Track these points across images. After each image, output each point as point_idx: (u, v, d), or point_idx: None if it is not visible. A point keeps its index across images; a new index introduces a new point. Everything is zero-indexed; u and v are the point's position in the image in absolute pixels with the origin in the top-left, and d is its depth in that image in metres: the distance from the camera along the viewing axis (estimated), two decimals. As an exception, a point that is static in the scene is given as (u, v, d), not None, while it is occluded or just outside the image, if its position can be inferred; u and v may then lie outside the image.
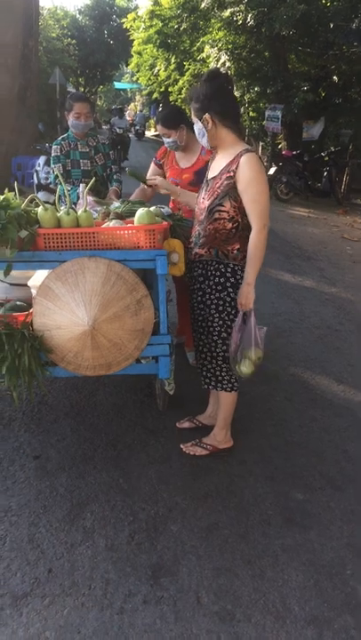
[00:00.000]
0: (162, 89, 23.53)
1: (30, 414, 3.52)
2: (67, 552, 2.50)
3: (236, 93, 13.83)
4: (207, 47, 13.84)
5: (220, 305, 2.80)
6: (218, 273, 2.78)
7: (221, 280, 2.78)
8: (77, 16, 34.57)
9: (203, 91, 2.61)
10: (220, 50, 13.27)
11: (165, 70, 19.62)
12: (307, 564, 2.48)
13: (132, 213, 3.11)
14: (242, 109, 14.44)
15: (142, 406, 3.67)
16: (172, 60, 18.71)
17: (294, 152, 12.65)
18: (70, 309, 2.27)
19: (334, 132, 14.22)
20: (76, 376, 2.51)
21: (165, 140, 3.77)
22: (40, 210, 2.38)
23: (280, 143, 14.60)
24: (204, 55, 14.23)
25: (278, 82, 13.01)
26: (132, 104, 50.84)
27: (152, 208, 3.08)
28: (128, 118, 14.95)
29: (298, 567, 2.46)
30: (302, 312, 5.56)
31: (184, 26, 14.98)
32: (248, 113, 14.52)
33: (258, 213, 2.62)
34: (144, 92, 32.08)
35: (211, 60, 13.72)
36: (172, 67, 19.06)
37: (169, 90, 22.52)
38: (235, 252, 2.74)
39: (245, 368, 2.74)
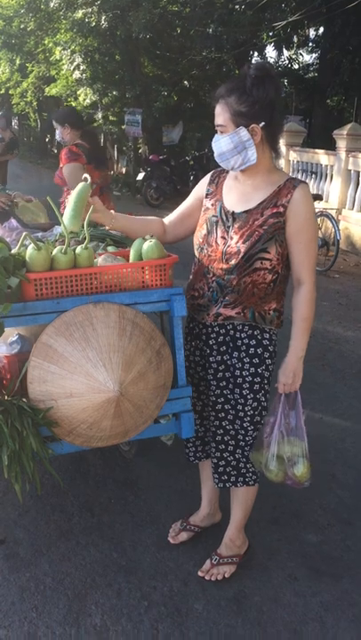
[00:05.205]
0: (1, 91, 22.31)
1: (-27, 486, 2.92)
2: (86, 666, 2.03)
3: (94, 97, 13.44)
4: (58, 49, 13.22)
5: (257, 383, 2.15)
6: (253, 342, 2.11)
7: (258, 351, 2.12)
8: None
9: (255, 92, 1.89)
10: (73, 52, 12.73)
11: (10, 71, 18.56)
12: (355, 621, 2.25)
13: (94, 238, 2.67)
14: (100, 113, 14.05)
15: (104, 456, 3.21)
16: (17, 62, 17.73)
17: (161, 157, 12.55)
18: (85, 372, 1.80)
19: (193, 135, 14.42)
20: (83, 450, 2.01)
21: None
22: (30, 250, 1.86)
23: (140, 147, 14.43)
24: (56, 57, 13.59)
25: (136, 86, 12.83)
26: None
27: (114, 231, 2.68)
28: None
29: (348, 628, 2.21)
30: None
31: (31, 26, 14.21)
32: (108, 117, 14.15)
33: (312, 265, 2.06)
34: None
35: (64, 62, 13.14)
36: (15, 67, 18.06)
37: (10, 92, 21.41)
38: (271, 312, 2.11)
39: (299, 469, 2.14)
